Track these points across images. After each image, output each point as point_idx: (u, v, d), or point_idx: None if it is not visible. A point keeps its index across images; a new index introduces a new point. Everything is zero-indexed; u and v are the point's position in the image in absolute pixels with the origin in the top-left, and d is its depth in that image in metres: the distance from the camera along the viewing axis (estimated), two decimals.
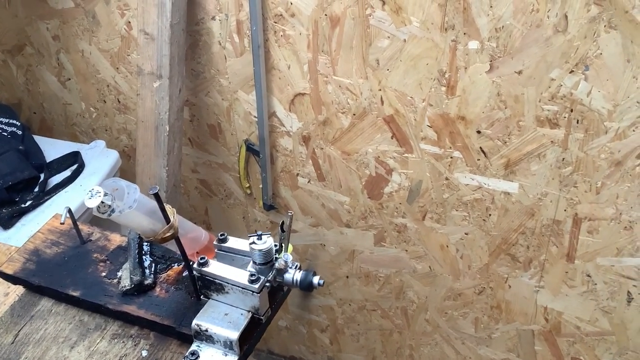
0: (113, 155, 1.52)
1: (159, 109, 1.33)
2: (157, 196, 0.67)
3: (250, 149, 1.54)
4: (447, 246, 1.49)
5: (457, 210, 1.41)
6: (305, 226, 1.64)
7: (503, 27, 1.12)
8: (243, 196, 1.68)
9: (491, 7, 1.11)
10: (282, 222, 0.72)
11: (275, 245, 0.74)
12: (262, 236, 0.72)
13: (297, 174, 1.55)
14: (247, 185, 1.63)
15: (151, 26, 1.29)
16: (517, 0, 1.09)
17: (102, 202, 0.65)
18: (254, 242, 0.72)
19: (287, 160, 1.54)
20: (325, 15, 1.26)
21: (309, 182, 1.55)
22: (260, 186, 1.59)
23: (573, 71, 1.12)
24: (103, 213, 0.66)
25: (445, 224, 1.45)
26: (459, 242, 1.47)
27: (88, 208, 0.78)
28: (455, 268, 1.52)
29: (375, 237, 1.57)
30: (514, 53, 1.14)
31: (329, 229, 1.62)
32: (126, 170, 1.72)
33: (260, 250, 0.71)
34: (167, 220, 0.71)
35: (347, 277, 1.70)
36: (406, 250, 1.55)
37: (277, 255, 0.74)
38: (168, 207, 0.72)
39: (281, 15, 1.30)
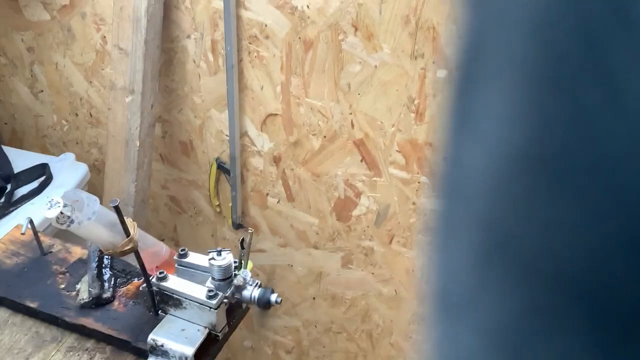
0: (82, 169, 1.51)
1: (130, 124, 1.34)
2: (117, 209, 0.68)
3: (221, 167, 1.55)
4: (413, 270, 1.50)
5: (423, 235, 1.43)
6: (273, 246, 1.64)
7: None
8: (212, 214, 1.68)
9: (460, 37, 1.14)
10: (242, 239, 0.73)
11: (235, 262, 0.74)
12: (222, 252, 0.73)
13: (267, 194, 1.56)
14: (217, 203, 1.63)
15: (125, 41, 1.29)
16: None
17: (62, 213, 0.65)
18: (213, 258, 0.73)
19: (257, 179, 1.54)
20: (299, 38, 1.28)
21: (278, 202, 1.56)
22: (230, 205, 1.60)
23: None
24: (62, 224, 0.66)
25: (411, 248, 1.47)
26: (424, 268, 1.48)
27: None
28: (420, 293, 1.53)
29: (343, 259, 1.58)
30: None
31: (297, 250, 1.62)
32: (95, 184, 1.71)
33: (219, 266, 0.71)
34: (127, 233, 0.71)
35: (314, 298, 1.70)
36: (372, 273, 1.56)
37: (236, 272, 0.74)
38: (129, 221, 0.72)
39: (256, 36, 1.31)
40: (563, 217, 0.16)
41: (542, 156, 0.16)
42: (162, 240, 1.81)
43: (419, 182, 1.35)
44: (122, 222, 0.69)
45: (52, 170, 1.49)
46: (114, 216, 0.70)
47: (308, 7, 1.23)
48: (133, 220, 0.74)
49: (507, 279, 0.18)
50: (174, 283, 0.77)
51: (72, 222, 0.66)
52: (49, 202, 0.64)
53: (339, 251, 1.57)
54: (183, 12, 1.35)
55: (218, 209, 1.65)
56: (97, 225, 0.68)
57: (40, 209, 1.37)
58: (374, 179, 1.40)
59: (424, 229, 1.42)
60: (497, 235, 0.18)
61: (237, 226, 1.63)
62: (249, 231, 0.74)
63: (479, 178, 0.18)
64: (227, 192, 1.60)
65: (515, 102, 0.17)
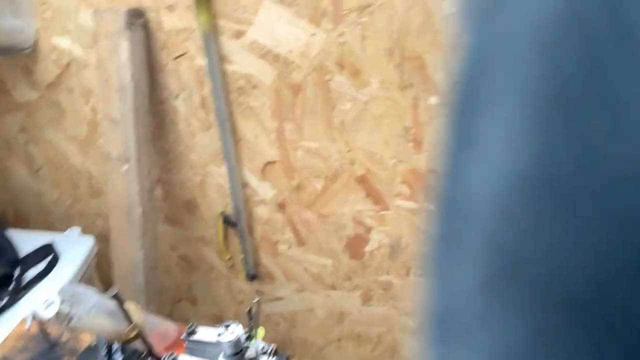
0: (88, 242, 1.50)
1: (130, 192, 1.32)
2: (116, 298, 0.66)
3: (227, 221, 1.53)
4: None
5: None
6: (290, 292, 1.62)
7: None
8: (225, 268, 1.66)
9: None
10: (250, 309, 0.71)
11: (246, 333, 0.72)
12: (230, 326, 0.70)
13: (277, 241, 1.53)
14: (228, 257, 1.61)
15: (114, 111, 1.29)
16: None
17: (60, 311, 0.63)
18: (220, 334, 0.70)
19: (265, 228, 1.52)
20: (286, 84, 1.27)
21: (289, 248, 1.53)
22: (242, 257, 1.58)
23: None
24: (62, 321, 0.64)
25: None
26: None
27: None
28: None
29: (362, 296, 1.54)
30: None
31: (315, 293, 1.59)
32: (105, 254, 1.70)
33: (228, 342, 0.69)
34: (130, 320, 0.69)
35: (339, 340, 1.66)
36: (395, 307, 1.53)
37: (247, 344, 0.72)
38: (132, 305, 0.70)
39: (243, 88, 1.31)
40: (569, 242, 0.16)
41: (547, 180, 0.16)
42: (179, 301, 1.79)
43: (427, 211, 1.32)
44: (123, 311, 0.67)
45: (58, 247, 1.48)
46: (115, 304, 0.68)
47: (291, 52, 1.23)
48: (137, 303, 0.71)
49: (514, 303, 0.17)
50: None
51: (71, 318, 0.64)
52: (45, 302, 0.62)
53: (357, 289, 1.54)
54: (168, 74, 1.35)
55: (230, 263, 1.62)
56: (98, 316, 0.66)
57: (51, 290, 1.36)
58: (382, 212, 1.37)
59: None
60: (503, 259, 0.17)
61: (252, 277, 1.60)
62: (254, 300, 0.71)
63: (485, 201, 0.18)
64: (236, 245, 1.58)
65: (520, 124, 0.16)
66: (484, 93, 0.18)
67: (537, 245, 0.16)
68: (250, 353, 0.71)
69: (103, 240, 1.71)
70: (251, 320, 0.70)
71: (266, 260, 1.58)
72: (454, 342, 0.20)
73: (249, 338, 0.72)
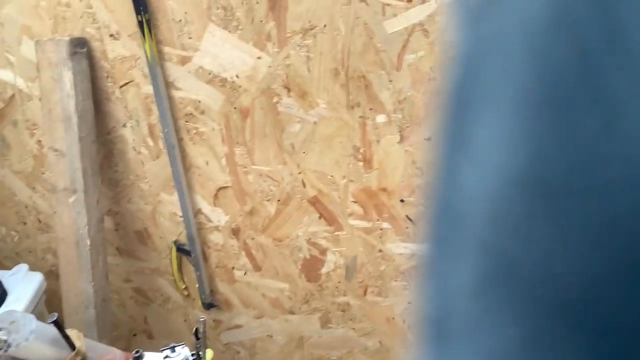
0: (37, 279, 1.45)
1: (78, 224, 1.30)
2: (57, 323, 0.64)
3: (180, 249, 1.51)
4: (394, 318, 1.46)
5: (396, 280, 1.40)
6: (249, 319, 1.59)
7: (405, 98, 1.16)
8: (181, 298, 1.63)
9: (390, 81, 1.15)
10: (196, 329, 0.69)
11: (193, 355, 0.70)
12: (176, 348, 0.69)
13: (233, 268, 1.52)
14: (184, 286, 1.58)
15: (59, 142, 1.27)
16: (414, 71, 1.13)
17: None
18: (167, 356, 0.69)
19: (220, 255, 1.51)
20: (235, 108, 1.27)
21: (245, 274, 1.52)
22: (197, 285, 1.55)
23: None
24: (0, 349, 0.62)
25: (387, 296, 1.44)
26: (405, 312, 1.45)
27: None
28: (405, 340, 1.49)
29: (321, 319, 1.53)
30: (420, 121, 1.17)
31: (274, 319, 1.57)
32: (55, 289, 1.65)
33: None
34: (72, 347, 0.67)
35: None
36: (354, 329, 1.52)
37: None
38: (74, 332, 0.68)
39: (191, 114, 1.30)
40: (561, 243, 0.16)
41: (539, 181, 0.16)
42: (134, 335, 1.74)
43: (381, 229, 1.33)
44: (65, 337, 0.65)
45: (6, 284, 1.43)
46: (56, 331, 0.66)
47: (237, 76, 1.23)
48: (80, 331, 0.69)
49: (508, 305, 0.17)
50: None
51: (9, 345, 0.61)
52: None
53: (316, 312, 1.53)
54: (114, 102, 1.34)
55: (186, 292, 1.60)
56: (38, 344, 0.64)
57: None
58: (336, 233, 1.38)
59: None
60: (496, 262, 0.17)
61: (208, 306, 1.57)
62: (200, 319, 0.70)
63: (478, 203, 0.18)
64: (191, 274, 1.56)
65: (512, 126, 0.16)
66: (476, 95, 0.18)
67: (529, 248, 0.16)
68: None
69: (53, 276, 1.66)
70: (198, 341, 0.69)
71: (223, 287, 1.56)
72: (449, 345, 0.20)
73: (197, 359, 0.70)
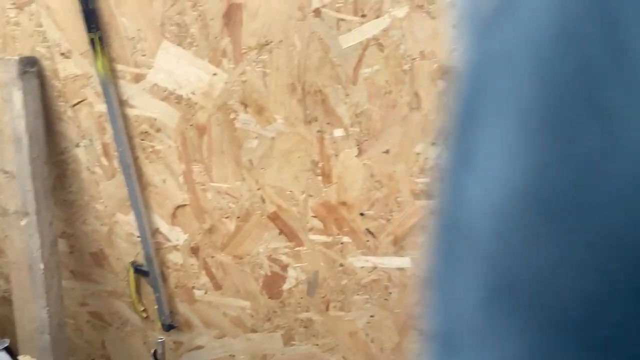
0: None
1: (30, 248, 1.26)
2: (9, 350, 0.61)
3: (138, 270, 1.47)
4: (356, 332, 1.46)
5: (358, 294, 1.40)
6: (210, 339, 1.57)
7: (362, 112, 1.16)
8: (140, 321, 1.59)
9: (347, 95, 1.16)
10: (155, 351, 0.68)
11: None
12: None
13: (193, 287, 1.49)
14: (142, 308, 1.55)
15: (10, 164, 1.23)
16: (370, 85, 1.13)
17: None
18: None
19: (179, 275, 1.48)
20: (191, 125, 1.26)
21: (205, 293, 1.49)
22: (156, 307, 1.52)
23: (435, 143, 1.17)
24: None
25: (349, 310, 1.43)
26: (367, 326, 1.44)
27: None
28: (369, 353, 1.49)
29: (284, 337, 1.52)
30: (378, 134, 1.18)
31: (235, 338, 1.55)
32: (8, 315, 1.59)
33: None
34: None
35: None
36: (317, 345, 1.51)
37: None
38: (27, 358, 0.65)
39: (147, 132, 1.28)
40: (563, 259, 0.16)
41: (541, 197, 0.16)
42: None
43: (341, 243, 1.33)
44: None
45: None
46: (8, 358, 0.63)
47: (193, 93, 1.22)
48: (34, 357, 0.67)
49: (513, 320, 0.17)
50: None
51: None
52: None
53: (278, 329, 1.51)
54: (67, 122, 1.31)
55: (145, 315, 1.56)
56: None
57: None
58: (297, 248, 1.37)
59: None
60: (501, 277, 0.17)
61: (168, 327, 1.54)
62: (159, 340, 0.68)
63: (483, 219, 0.18)
64: (150, 295, 1.52)
65: (516, 142, 0.17)
66: (481, 109, 0.18)
67: (532, 264, 0.16)
68: None
69: (6, 302, 1.61)
70: None
71: (182, 308, 1.53)
72: (455, 358, 0.20)
73: None
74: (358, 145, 1.20)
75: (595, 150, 0.15)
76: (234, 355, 1.58)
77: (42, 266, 1.26)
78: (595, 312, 0.16)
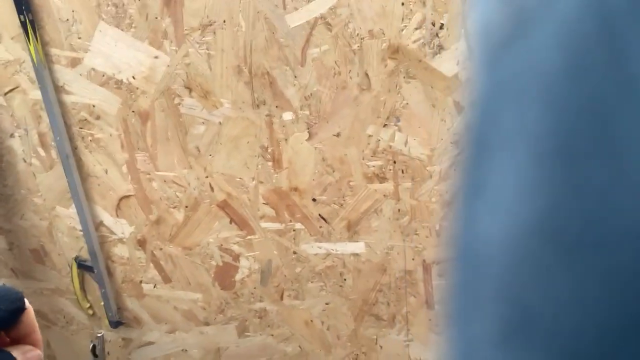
0: None
1: None
2: None
3: (82, 265, 1.41)
4: (312, 321, 1.43)
5: (312, 282, 1.37)
6: (161, 334, 1.52)
7: (311, 94, 1.13)
8: (86, 318, 1.53)
9: (295, 77, 1.12)
10: (94, 346, 0.63)
11: None
12: None
13: (141, 281, 1.44)
14: (88, 305, 1.48)
15: None
16: (319, 66, 1.10)
17: None
18: None
19: (126, 269, 1.42)
20: (133, 111, 1.20)
21: (155, 287, 1.44)
22: (102, 303, 1.46)
23: (386, 125, 1.14)
24: None
25: (304, 298, 1.40)
26: (322, 314, 1.42)
27: None
28: (325, 341, 1.46)
29: (238, 328, 1.48)
30: (328, 117, 1.15)
31: (188, 332, 1.50)
32: None
33: None
34: None
35: None
36: (272, 335, 1.48)
37: None
38: None
39: (86, 119, 1.22)
40: (577, 294, 0.16)
41: (552, 232, 0.16)
42: None
43: (294, 230, 1.30)
44: None
45: None
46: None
47: (134, 77, 1.16)
48: None
49: (528, 355, 0.17)
50: None
51: None
52: None
53: (232, 321, 1.47)
54: None
55: (91, 312, 1.49)
56: None
57: None
58: (249, 237, 1.33)
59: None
60: (516, 310, 0.17)
61: (116, 324, 1.48)
62: (98, 335, 0.64)
63: (495, 251, 0.18)
64: (96, 291, 1.46)
65: (527, 174, 0.17)
66: (493, 140, 0.18)
67: (546, 297, 0.16)
68: None
69: None
70: (96, 358, 0.63)
71: (131, 303, 1.47)
72: None
73: None
74: (308, 128, 1.17)
75: (606, 183, 0.15)
76: (186, 350, 1.53)
77: None
78: (610, 347, 0.16)
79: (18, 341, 0.52)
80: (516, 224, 0.17)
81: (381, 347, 1.44)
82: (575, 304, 0.16)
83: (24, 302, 0.51)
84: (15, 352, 0.51)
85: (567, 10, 0.16)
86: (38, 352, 0.53)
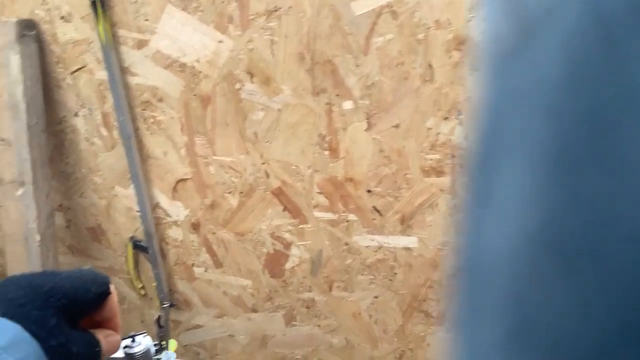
0: None
1: (26, 219, 1.21)
2: None
3: (137, 246, 1.43)
4: (360, 313, 1.43)
5: (362, 274, 1.37)
6: (209, 319, 1.53)
7: (373, 83, 1.12)
8: (137, 298, 1.55)
9: (357, 65, 1.11)
10: (159, 317, 0.64)
11: (155, 345, 0.64)
12: (136, 337, 0.63)
13: (193, 264, 1.45)
14: (140, 285, 1.51)
15: (6, 131, 1.19)
16: (382, 55, 1.09)
17: None
18: (127, 346, 0.63)
19: (179, 251, 1.44)
20: (195, 95, 1.21)
21: (206, 270, 1.46)
22: (154, 284, 1.48)
23: (447, 118, 1.13)
24: None
25: (353, 290, 1.40)
26: (371, 307, 1.41)
27: None
28: (372, 335, 1.45)
29: (285, 317, 1.48)
30: (388, 108, 1.14)
31: (236, 317, 1.52)
32: None
33: (135, 355, 0.61)
34: None
35: None
36: (319, 326, 1.47)
37: (158, 356, 0.65)
38: None
39: (149, 101, 1.24)
40: (578, 303, 0.16)
41: (555, 240, 0.16)
42: None
43: (347, 221, 1.30)
44: None
45: None
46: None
47: (198, 61, 1.18)
48: None
49: None
50: None
51: None
52: None
53: (280, 309, 1.48)
54: (65, 89, 1.26)
55: (143, 292, 1.52)
56: None
57: None
58: (301, 226, 1.33)
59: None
60: (520, 319, 0.17)
61: (167, 306, 1.50)
62: (164, 305, 0.65)
63: (499, 260, 0.18)
64: (149, 272, 1.49)
65: (530, 183, 0.17)
66: (498, 150, 0.18)
67: (545, 308, 0.16)
68: None
69: (1, 278, 1.57)
70: (161, 329, 0.64)
71: (182, 285, 1.49)
72: None
73: (160, 350, 0.65)
74: (367, 118, 1.16)
75: (605, 192, 0.15)
76: (233, 335, 1.54)
77: (38, 238, 1.22)
78: (609, 355, 0.16)
79: (100, 324, 0.53)
80: (519, 233, 0.17)
81: (429, 344, 1.42)
82: (574, 314, 0.16)
83: (109, 287, 0.52)
84: (98, 335, 0.52)
85: (570, 21, 0.16)
86: (118, 337, 0.53)
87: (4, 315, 0.45)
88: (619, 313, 0.15)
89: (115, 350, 0.53)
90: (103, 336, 0.52)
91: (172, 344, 0.66)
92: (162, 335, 0.64)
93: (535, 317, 0.17)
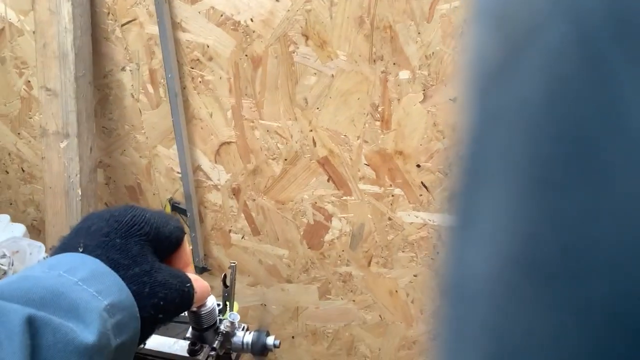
0: (19, 230, 1.34)
1: (69, 172, 1.19)
2: None
3: (175, 208, 1.41)
4: (397, 291, 1.40)
5: (403, 251, 1.33)
6: (242, 286, 1.51)
7: (433, 53, 1.08)
8: None
9: (419, 33, 1.07)
10: (224, 276, 0.61)
11: (218, 305, 0.62)
12: None
13: (230, 230, 1.43)
14: None
15: (53, 81, 1.16)
16: (445, 24, 1.05)
17: None
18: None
19: (217, 216, 1.42)
20: (246, 55, 1.18)
21: (243, 237, 1.43)
22: (190, 248, 1.46)
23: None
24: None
25: (392, 267, 1.36)
26: (409, 286, 1.38)
27: None
28: (407, 314, 1.42)
29: (320, 290, 1.46)
30: (447, 80, 1.10)
31: (269, 287, 1.50)
32: None
33: (200, 312, 0.59)
34: None
35: (293, 337, 1.57)
36: (354, 301, 1.45)
37: (221, 317, 0.62)
38: None
39: (198, 59, 1.21)
40: (559, 328, 0.15)
41: (531, 261, 0.16)
42: None
43: (392, 196, 1.26)
44: None
45: None
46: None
47: (252, 20, 1.14)
48: None
49: None
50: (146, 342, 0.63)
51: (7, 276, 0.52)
52: None
53: (315, 282, 1.45)
54: (114, 42, 1.23)
55: None
56: None
57: None
58: (344, 198, 1.30)
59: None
60: (501, 345, 0.17)
61: (201, 270, 1.49)
62: (231, 264, 0.62)
63: (482, 283, 0.18)
64: (186, 235, 1.46)
65: (509, 204, 0.17)
66: (481, 169, 0.18)
67: (529, 332, 0.16)
68: (225, 326, 0.62)
69: (34, 232, 1.56)
70: (226, 289, 0.61)
71: (217, 251, 1.47)
72: None
73: (223, 310, 0.62)
74: (424, 90, 1.12)
75: (583, 214, 0.15)
76: (265, 305, 1.52)
77: (79, 192, 1.20)
78: None
79: None
80: (500, 256, 0.17)
81: None
82: (552, 338, 0.16)
83: (182, 227, 0.51)
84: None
85: (553, 40, 0.15)
86: (207, 284, 0.52)
87: (87, 248, 0.44)
88: (597, 337, 0.15)
89: (206, 297, 0.51)
90: (193, 279, 0.50)
91: (235, 305, 0.63)
92: (227, 295, 0.61)
93: (518, 342, 0.17)
